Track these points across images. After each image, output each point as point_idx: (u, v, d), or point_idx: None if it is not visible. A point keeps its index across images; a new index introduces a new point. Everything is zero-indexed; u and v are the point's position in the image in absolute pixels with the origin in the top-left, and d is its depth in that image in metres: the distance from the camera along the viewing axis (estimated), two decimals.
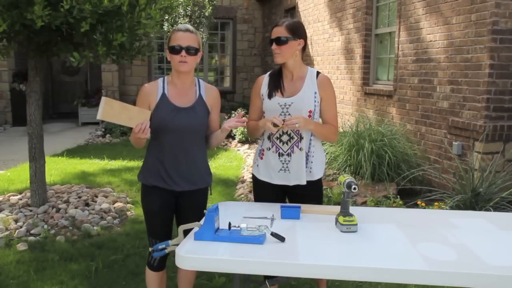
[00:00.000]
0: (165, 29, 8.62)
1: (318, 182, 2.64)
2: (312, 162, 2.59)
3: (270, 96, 2.56)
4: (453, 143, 5.02)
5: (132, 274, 3.37)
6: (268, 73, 2.69)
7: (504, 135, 4.65)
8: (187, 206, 2.53)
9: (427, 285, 1.86)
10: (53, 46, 3.99)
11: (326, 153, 6.10)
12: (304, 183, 2.56)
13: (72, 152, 7.82)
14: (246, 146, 8.52)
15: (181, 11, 9.69)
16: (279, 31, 2.50)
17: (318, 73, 2.61)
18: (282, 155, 2.57)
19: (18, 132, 9.73)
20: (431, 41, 5.52)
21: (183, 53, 2.31)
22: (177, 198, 2.52)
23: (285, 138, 2.55)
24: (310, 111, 2.53)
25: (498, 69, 4.60)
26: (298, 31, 2.52)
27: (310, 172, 2.59)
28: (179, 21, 9.70)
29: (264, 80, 2.65)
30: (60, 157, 7.40)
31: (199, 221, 2.36)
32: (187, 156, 2.44)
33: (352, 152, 5.52)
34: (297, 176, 2.57)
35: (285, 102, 2.53)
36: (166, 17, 6.42)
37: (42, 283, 3.21)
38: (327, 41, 8.60)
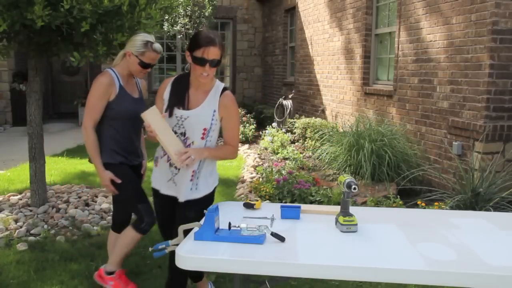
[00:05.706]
0: (165, 29, 8.62)
1: (204, 200, 2.48)
2: (198, 178, 2.47)
3: (169, 110, 2.42)
4: (453, 143, 5.02)
5: (132, 274, 3.37)
6: (173, 79, 2.51)
7: (504, 135, 4.65)
8: (138, 174, 3.10)
9: (427, 285, 1.86)
10: (53, 46, 3.99)
11: (326, 153, 6.11)
12: (182, 200, 2.44)
13: (72, 152, 7.82)
14: (246, 146, 8.51)
15: (181, 11, 9.68)
16: (216, 53, 2.29)
17: (224, 90, 2.45)
18: (172, 165, 2.48)
19: (18, 132, 9.72)
20: (431, 41, 5.52)
21: (149, 69, 2.86)
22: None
23: None
24: (204, 129, 2.42)
25: (498, 69, 4.60)
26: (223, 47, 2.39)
27: (196, 189, 2.47)
28: (179, 21, 9.70)
29: (168, 87, 2.49)
30: (60, 157, 7.40)
31: (140, 181, 3.04)
32: (137, 138, 3.00)
33: (352, 152, 5.53)
34: (179, 191, 2.46)
35: (182, 114, 2.41)
36: (166, 17, 6.42)
37: (42, 283, 3.21)
38: (327, 41, 8.60)
